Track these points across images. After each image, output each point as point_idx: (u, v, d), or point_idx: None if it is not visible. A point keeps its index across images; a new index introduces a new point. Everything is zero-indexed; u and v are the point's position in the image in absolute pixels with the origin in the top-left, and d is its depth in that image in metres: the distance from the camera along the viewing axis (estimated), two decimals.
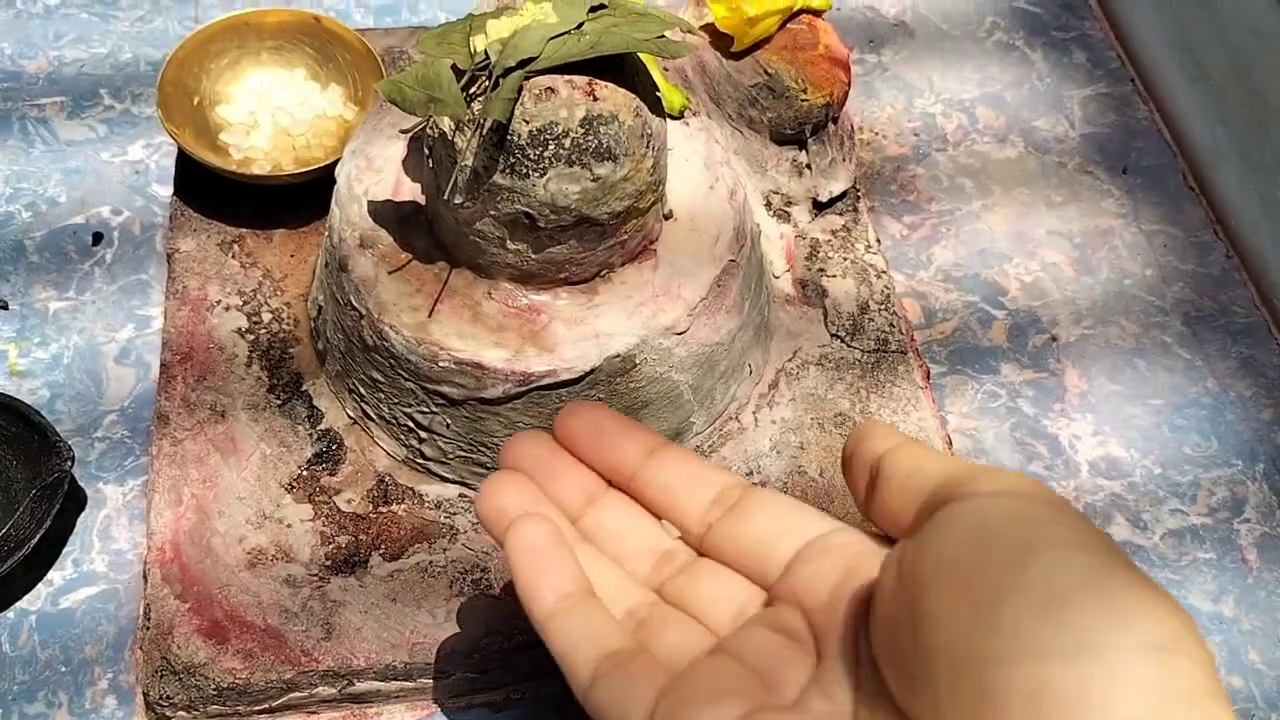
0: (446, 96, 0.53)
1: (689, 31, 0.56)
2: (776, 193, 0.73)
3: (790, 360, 0.68)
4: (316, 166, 0.68)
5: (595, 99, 0.54)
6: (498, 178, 0.54)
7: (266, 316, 0.67)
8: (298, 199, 0.71)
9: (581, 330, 0.58)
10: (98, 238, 0.74)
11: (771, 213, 0.73)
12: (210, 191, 0.72)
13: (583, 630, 0.41)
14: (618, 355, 0.58)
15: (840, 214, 0.75)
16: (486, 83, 0.54)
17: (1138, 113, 0.85)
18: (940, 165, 0.81)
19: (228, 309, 0.67)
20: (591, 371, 0.57)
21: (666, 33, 0.54)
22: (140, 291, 0.71)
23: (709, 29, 0.71)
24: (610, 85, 0.54)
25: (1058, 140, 0.83)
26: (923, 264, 0.76)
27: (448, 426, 0.59)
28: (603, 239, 0.57)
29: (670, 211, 0.62)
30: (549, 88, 0.54)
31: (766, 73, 0.70)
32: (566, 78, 0.54)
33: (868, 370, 0.68)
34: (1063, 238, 0.78)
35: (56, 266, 0.73)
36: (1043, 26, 0.89)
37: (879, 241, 0.75)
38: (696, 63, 0.71)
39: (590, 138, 0.54)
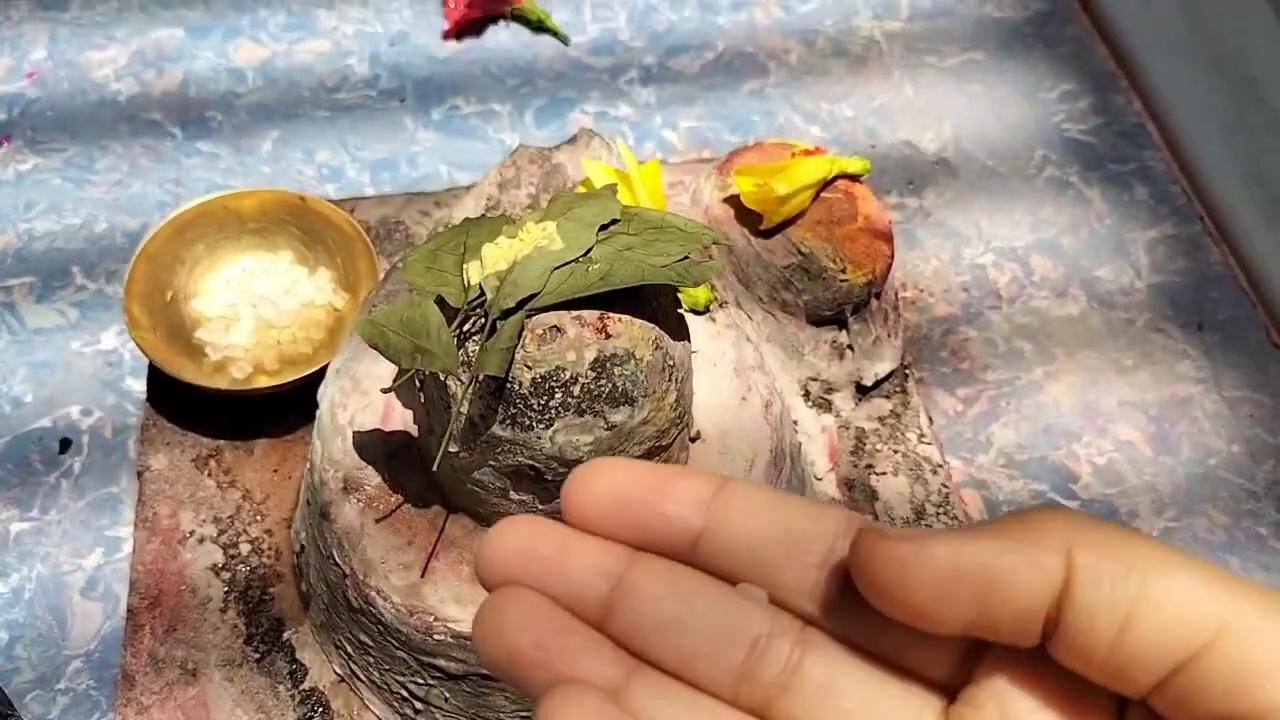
0: (435, 346, 0.45)
1: (715, 243, 0.49)
2: (815, 379, 0.65)
3: None
4: (298, 378, 0.61)
5: (608, 336, 0.47)
6: (497, 429, 0.47)
7: (245, 548, 0.59)
8: (282, 404, 0.63)
9: None
10: (65, 444, 0.67)
11: (810, 403, 0.65)
12: (186, 396, 0.65)
13: None
14: None
15: (887, 396, 0.67)
16: (482, 321, 0.46)
17: (1210, 257, 0.77)
18: (995, 326, 0.73)
19: (201, 541, 0.59)
20: None
21: (690, 253, 0.47)
22: (110, 509, 0.64)
23: (734, 202, 0.64)
24: (625, 318, 0.47)
25: (1123, 292, 0.75)
26: (981, 446, 0.68)
27: (446, 700, 0.51)
28: None
29: (698, 433, 0.55)
30: (554, 327, 0.46)
31: (800, 252, 0.62)
32: (574, 313, 0.47)
33: None
34: (1136, 409, 0.70)
35: (20, 480, 0.65)
36: (1098, 159, 0.82)
37: (931, 422, 0.67)
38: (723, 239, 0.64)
39: (603, 382, 0.46)
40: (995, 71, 0.86)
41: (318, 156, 0.80)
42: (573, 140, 0.67)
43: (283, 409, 0.64)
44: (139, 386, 0.68)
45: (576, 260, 0.47)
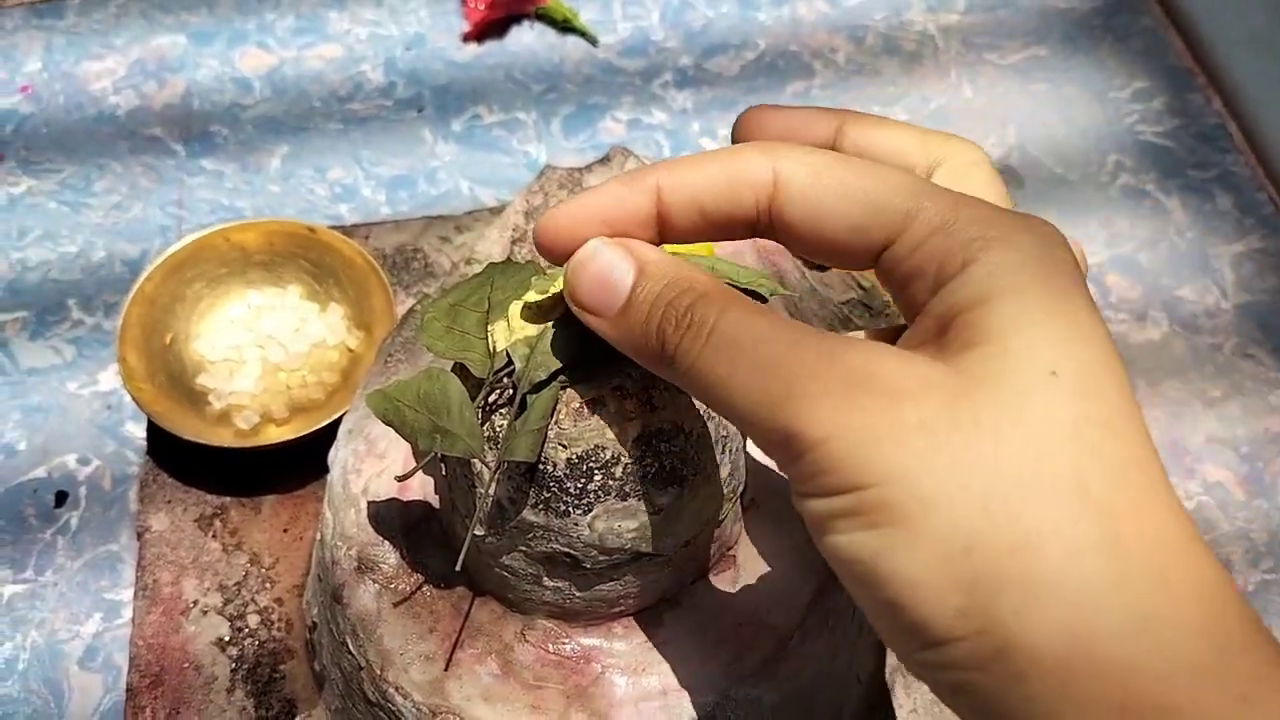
0: (457, 427, 0.40)
1: (774, 294, 0.43)
2: None
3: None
4: (308, 431, 0.55)
5: (653, 409, 0.41)
6: (529, 514, 0.41)
7: (253, 620, 0.54)
8: (291, 456, 0.58)
9: (644, 685, 0.44)
10: (62, 497, 0.62)
11: None
12: (188, 448, 0.59)
13: None
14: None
15: None
16: (510, 392, 0.41)
17: None
18: None
19: (205, 612, 0.54)
20: None
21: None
22: (110, 569, 0.59)
23: None
24: (670, 387, 0.41)
25: (1209, 314, 0.69)
26: None
27: None
28: (667, 566, 0.44)
29: (752, 500, 0.49)
30: (593, 399, 0.40)
31: (860, 286, 0.56)
32: (613, 383, 0.41)
33: None
34: (1226, 446, 0.64)
35: (13, 537, 0.61)
36: (1177, 165, 0.75)
37: None
38: (774, 273, 0.58)
39: (649, 461, 0.41)
40: (1061, 69, 0.79)
41: (330, 174, 0.74)
42: (605, 160, 0.61)
43: (293, 460, 0.58)
44: (139, 432, 0.63)
45: None
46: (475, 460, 0.41)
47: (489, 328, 0.42)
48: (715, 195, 0.34)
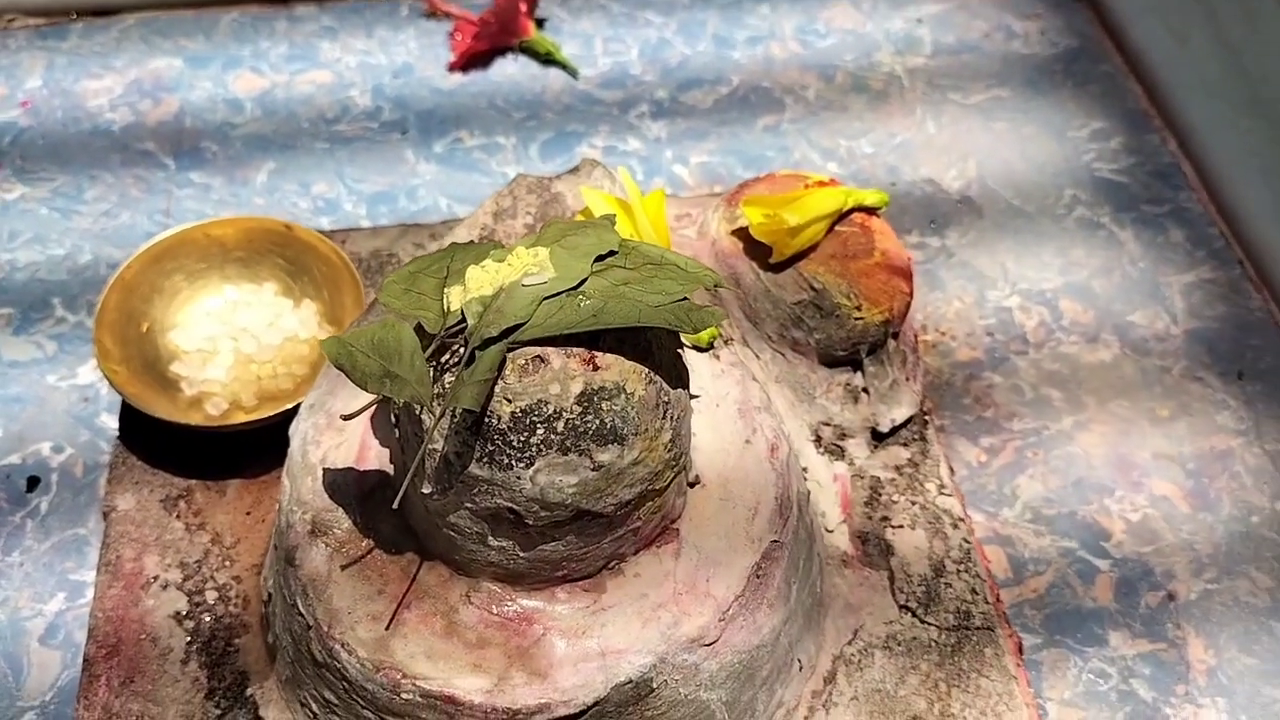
0: (407, 373, 0.41)
1: (718, 286, 0.45)
2: (828, 424, 0.61)
3: (850, 643, 0.55)
4: (275, 413, 0.57)
5: (596, 368, 0.43)
6: (473, 468, 0.43)
7: (211, 596, 0.55)
8: (258, 442, 0.60)
9: (584, 646, 0.46)
10: (33, 483, 0.63)
11: (822, 449, 0.61)
12: (159, 432, 0.61)
13: None
14: (629, 681, 0.45)
15: (905, 444, 0.62)
16: (461, 351, 0.43)
17: (1250, 302, 0.73)
18: (1021, 372, 0.69)
19: (165, 587, 0.55)
20: (596, 704, 0.45)
21: (690, 294, 0.43)
22: (76, 551, 0.60)
23: (743, 234, 0.60)
24: (614, 355, 0.43)
25: (1158, 338, 0.71)
26: (1006, 499, 0.64)
27: None
28: (609, 530, 0.46)
29: (697, 477, 0.50)
30: (538, 357, 0.42)
31: (812, 287, 0.58)
32: (560, 343, 0.43)
33: (947, 655, 0.55)
34: (1173, 462, 0.65)
35: None
36: (1131, 200, 0.78)
37: (953, 473, 0.63)
38: (729, 275, 0.60)
39: (590, 417, 0.42)
40: (1022, 109, 0.82)
41: (313, 189, 0.77)
42: (574, 170, 0.64)
43: (259, 448, 0.60)
44: (114, 423, 0.65)
45: (568, 292, 0.43)
46: (424, 413, 0.43)
47: (445, 290, 0.44)
48: None
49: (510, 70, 0.84)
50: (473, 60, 0.84)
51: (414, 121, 0.81)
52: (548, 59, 0.84)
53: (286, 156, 0.78)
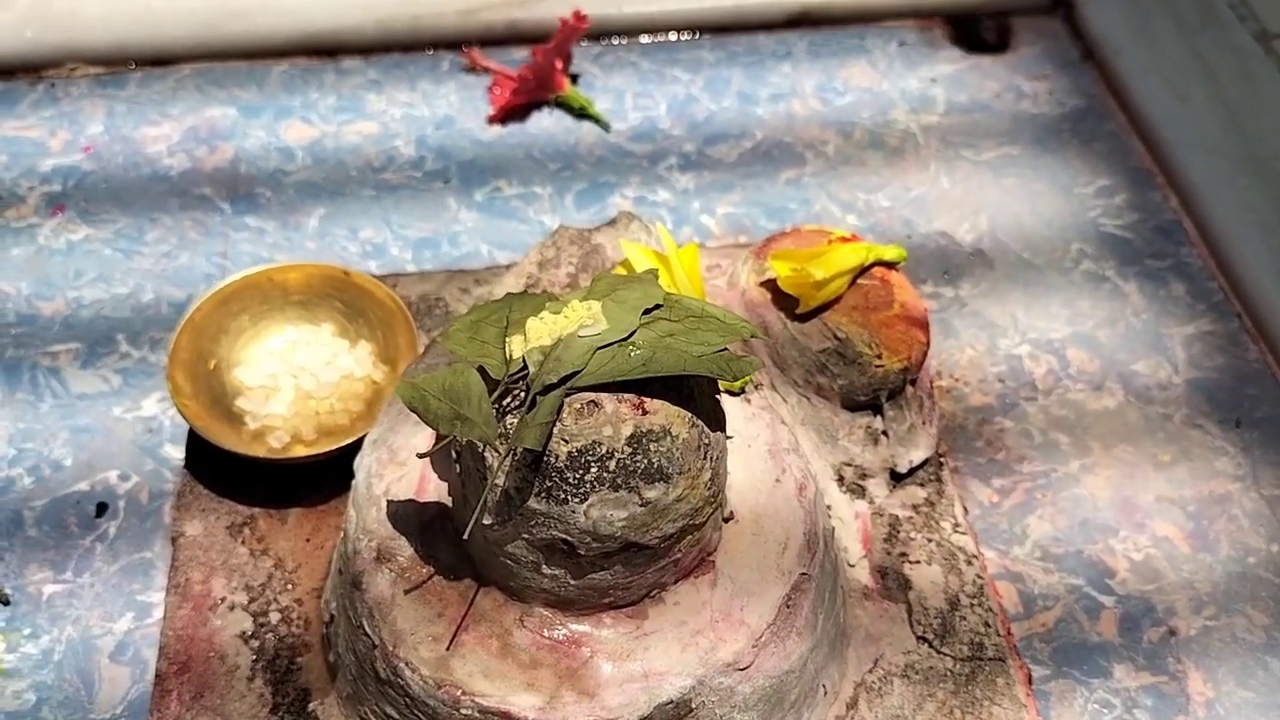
0: (475, 415, 0.46)
1: (752, 336, 0.49)
2: (850, 464, 0.65)
3: (871, 671, 0.59)
4: (334, 448, 0.61)
5: (645, 413, 0.47)
6: (532, 502, 0.47)
7: (275, 617, 0.59)
8: (318, 473, 0.64)
9: (628, 668, 0.50)
10: (102, 508, 0.67)
11: (844, 488, 0.65)
12: (223, 462, 0.65)
13: None
14: (670, 701, 0.49)
15: (922, 484, 0.66)
16: (522, 395, 0.47)
17: (1248, 354, 0.77)
18: (1030, 417, 0.73)
19: (232, 608, 0.59)
20: None
21: (729, 344, 0.48)
22: (143, 573, 0.65)
23: (771, 286, 0.65)
24: (660, 401, 0.47)
25: (1160, 387, 0.75)
26: (1017, 538, 0.67)
27: None
28: (653, 561, 0.50)
29: (731, 513, 0.54)
30: (592, 401, 0.47)
31: (836, 337, 0.62)
32: (613, 390, 0.47)
33: (961, 684, 0.59)
34: (1174, 505, 0.69)
35: (55, 542, 0.66)
36: (1135, 254, 0.82)
37: (966, 512, 0.67)
38: (759, 324, 0.64)
39: (639, 458, 0.46)
40: (1031, 166, 0.87)
41: (361, 233, 0.81)
42: (612, 222, 0.68)
43: (318, 479, 0.64)
44: (177, 453, 0.69)
45: (619, 342, 0.47)
46: (487, 452, 0.47)
47: (506, 340, 0.48)
48: None
49: (546, 123, 0.89)
50: (511, 113, 0.89)
51: (456, 171, 0.86)
52: (581, 113, 0.89)
53: (336, 203, 0.83)
